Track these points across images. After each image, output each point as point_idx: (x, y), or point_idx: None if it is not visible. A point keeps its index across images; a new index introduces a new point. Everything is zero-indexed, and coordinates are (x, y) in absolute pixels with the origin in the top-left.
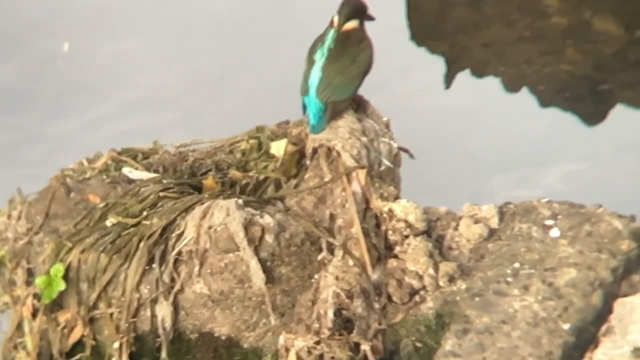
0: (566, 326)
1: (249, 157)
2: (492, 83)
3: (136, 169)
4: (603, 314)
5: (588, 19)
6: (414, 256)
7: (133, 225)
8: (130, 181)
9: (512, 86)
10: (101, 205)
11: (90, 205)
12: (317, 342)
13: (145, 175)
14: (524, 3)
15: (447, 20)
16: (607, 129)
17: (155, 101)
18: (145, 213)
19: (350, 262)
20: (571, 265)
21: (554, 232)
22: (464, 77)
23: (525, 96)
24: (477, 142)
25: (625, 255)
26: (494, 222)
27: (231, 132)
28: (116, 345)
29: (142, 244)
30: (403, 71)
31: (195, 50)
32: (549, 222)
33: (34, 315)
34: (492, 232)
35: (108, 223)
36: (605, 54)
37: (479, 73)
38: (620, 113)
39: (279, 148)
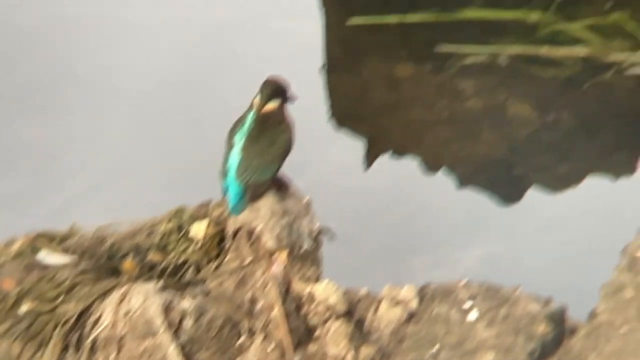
0: None
1: (168, 239)
2: (411, 164)
3: (52, 252)
4: None
5: (503, 103)
6: (334, 339)
7: (48, 311)
8: (46, 266)
9: (430, 167)
10: (15, 291)
11: (4, 292)
12: None
13: (61, 259)
14: (441, 86)
15: (366, 101)
16: (524, 211)
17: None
18: (61, 298)
19: (271, 346)
20: (489, 348)
21: (472, 315)
22: (383, 158)
23: (443, 177)
24: (397, 223)
25: (541, 338)
26: (414, 304)
27: (151, 214)
28: None
29: (57, 331)
30: (324, 152)
31: (115, 130)
32: (468, 304)
33: None
34: (411, 315)
35: (22, 309)
36: (520, 137)
37: (398, 154)
38: (535, 195)
39: (199, 230)
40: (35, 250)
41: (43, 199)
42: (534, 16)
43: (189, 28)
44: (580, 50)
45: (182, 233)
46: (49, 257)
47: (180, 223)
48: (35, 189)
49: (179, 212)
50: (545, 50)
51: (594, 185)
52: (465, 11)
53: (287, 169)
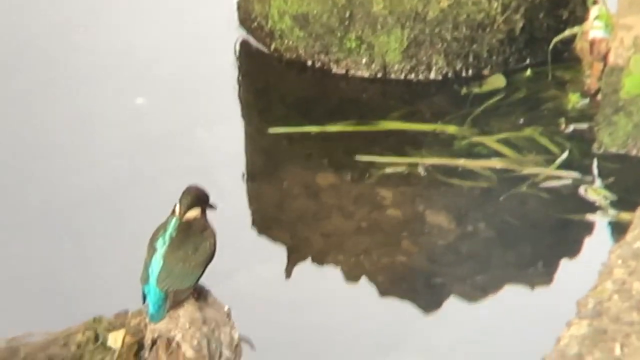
0: None
1: (84, 349)
2: (332, 273)
3: None
4: None
5: (422, 212)
6: None
7: None
8: None
9: (351, 276)
10: None
11: None
12: None
13: None
14: (361, 195)
15: (287, 210)
16: (444, 319)
17: None
18: None
19: None
20: None
21: None
22: (304, 267)
23: (364, 286)
24: (318, 333)
25: None
26: None
27: (66, 324)
28: None
29: None
30: (244, 261)
31: (28, 237)
32: None
33: None
34: None
35: None
36: (439, 246)
37: (318, 263)
38: (454, 305)
39: (116, 339)
40: None
41: None
42: (450, 129)
43: (109, 136)
44: (496, 163)
45: (98, 343)
46: None
47: (96, 333)
48: None
49: (96, 321)
50: (462, 162)
51: (512, 296)
52: (384, 123)
53: (208, 278)
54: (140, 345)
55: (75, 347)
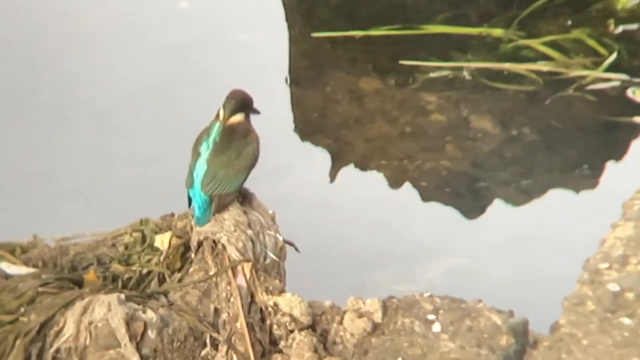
0: None
1: (132, 250)
2: (375, 177)
3: (14, 263)
4: None
5: (466, 117)
6: (299, 351)
7: (9, 322)
8: (8, 276)
9: (394, 181)
10: None
11: None
12: None
13: (23, 270)
14: (405, 100)
15: (330, 115)
16: (487, 225)
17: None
18: (22, 309)
19: (235, 358)
20: None
21: (436, 327)
22: (348, 171)
23: (407, 191)
24: (361, 236)
25: (504, 350)
26: (378, 317)
27: (114, 225)
28: None
29: (18, 342)
30: (288, 165)
31: (77, 142)
32: (431, 317)
33: None
34: (375, 327)
35: None
36: (483, 151)
37: (362, 168)
38: (498, 209)
39: (163, 241)
40: None
41: (4, 209)
42: (496, 32)
43: (155, 41)
44: (542, 66)
45: (145, 244)
46: (11, 268)
47: (144, 234)
48: None
49: (142, 223)
50: (508, 66)
51: (556, 199)
52: (429, 26)
53: (252, 181)
54: (186, 247)
55: (123, 248)
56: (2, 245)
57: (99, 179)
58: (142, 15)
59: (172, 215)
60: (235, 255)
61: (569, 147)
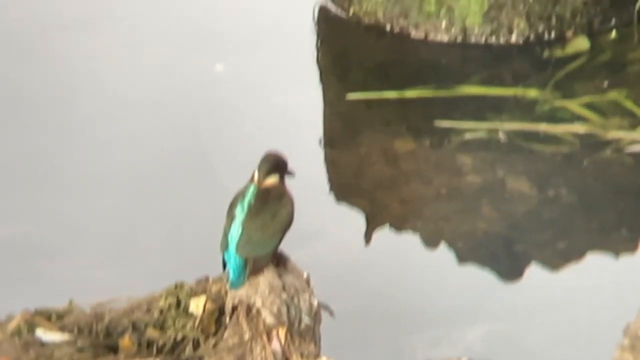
0: None
1: (167, 315)
2: (411, 239)
3: (50, 330)
4: None
5: (502, 178)
6: None
7: None
8: (44, 344)
9: (430, 242)
10: None
11: None
12: None
13: (58, 337)
14: (440, 161)
15: (365, 176)
16: (524, 288)
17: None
18: None
19: None
20: None
21: None
22: (383, 233)
23: (443, 253)
24: (397, 299)
25: None
26: None
27: (149, 290)
28: None
29: None
30: (323, 226)
31: (111, 204)
32: None
33: None
34: None
35: None
36: (519, 213)
37: (397, 229)
38: (535, 272)
39: (197, 305)
40: (32, 328)
41: (40, 275)
42: (531, 93)
43: (190, 103)
44: (578, 127)
45: (180, 309)
46: (46, 335)
47: (178, 299)
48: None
49: (177, 287)
50: (544, 127)
51: (595, 263)
52: (463, 87)
53: (287, 243)
54: (221, 312)
55: (158, 313)
56: (38, 312)
57: (133, 243)
58: (178, 78)
59: (207, 279)
60: (269, 319)
61: (607, 209)
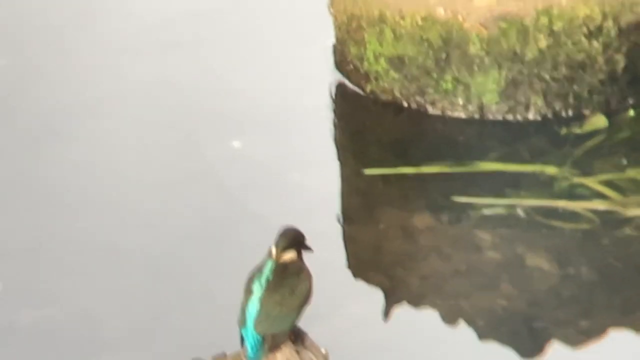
0: None
1: None
2: (430, 316)
3: None
4: None
5: (521, 255)
6: None
7: None
8: None
9: (449, 319)
10: None
11: None
12: None
13: None
14: (459, 237)
15: (383, 252)
16: None
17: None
18: None
19: None
20: None
21: None
22: (402, 309)
23: (462, 330)
24: None
25: None
26: None
27: None
28: None
29: None
30: (341, 303)
31: (126, 286)
32: None
33: None
34: None
35: None
36: (540, 290)
37: (416, 305)
38: (556, 350)
39: None
40: None
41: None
42: (550, 170)
43: (206, 178)
44: (598, 204)
45: None
46: None
47: None
48: None
49: None
50: (563, 204)
51: (616, 341)
52: (481, 163)
53: (305, 320)
54: None
55: None
56: None
57: (150, 320)
58: (196, 154)
59: (224, 355)
60: None
61: (628, 287)
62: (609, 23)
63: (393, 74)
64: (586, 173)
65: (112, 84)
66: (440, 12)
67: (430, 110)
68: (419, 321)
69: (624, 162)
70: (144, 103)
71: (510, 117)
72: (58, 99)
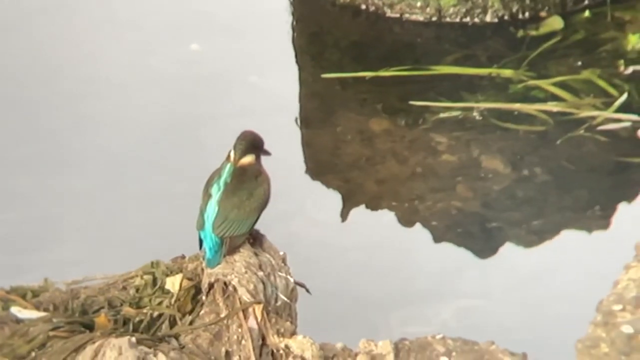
0: None
1: (143, 293)
2: (386, 218)
3: (25, 307)
4: None
5: (476, 157)
6: None
7: None
8: (19, 321)
9: (405, 222)
10: None
11: None
12: None
13: (34, 314)
14: (415, 140)
15: (341, 156)
16: (498, 265)
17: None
18: (33, 354)
19: None
20: None
21: None
22: (359, 211)
23: (418, 231)
24: (373, 277)
25: None
26: (390, 359)
27: (125, 268)
28: None
29: None
30: (299, 206)
31: (86, 184)
32: (444, 359)
33: None
34: None
35: None
36: (494, 191)
37: (373, 208)
38: (509, 250)
39: (174, 283)
40: (7, 305)
41: (14, 252)
42: (506, 73)
43: (167, 81)
44: (552, 106)
45: (156, 287)
46: (22, 312)
47: (154, 277)
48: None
49: (153, 265)
50: (518, 106)
51: (568, 240)
52: (438, 67)
53: (263, 222)
54: (197, 290)
55: (134, 291)
56: (13, 289)
57: (109, 221)
58: (153, 58)
59: (183, 257)
60: (246, 297)
61: (581, 187)
62: None
63: None
64: (541, 75)
65: None
66: None
67: (389, 12)
68: (376, 223)
69: (579, 63)
70: (107, 6)
71: (467, 19)
72: None
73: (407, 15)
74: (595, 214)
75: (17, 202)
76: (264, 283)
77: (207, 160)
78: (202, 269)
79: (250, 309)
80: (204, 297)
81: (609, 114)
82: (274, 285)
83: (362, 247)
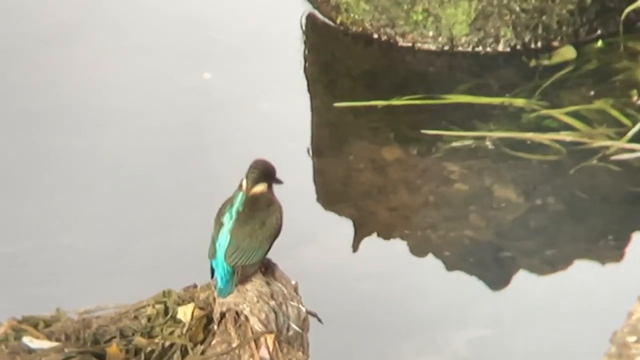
0: None
1: (154, 322)
2: (399, 247)
3: (37, 337)
4: None
5: (489, 186)
6: None
7: None
8: (31, 351)
9: (417, 251)
10: None
11: None
12: None
13: (46, 344)
14: (428, 169)
15: (353, 185)
16: (511, 295)
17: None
18: None
19: None
20: None
21: None
22: (371, 241)
23: (430, 261)
24: (385, 306)
25: None
26: None
27: (137, 298)
28: None
29: None
30: (311, 234)
31: (98, 212)
32: None
33: None
34: None
35: None
36: (507, 221)
37: (385, 237)
38: (522, 280)
39: (185, 313)
40: (19, 335)
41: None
42: (518, 102)
43: (177, 109)
44: (565, 136)
45: (168, 316)
46: (34, 342)
47: (166, 306)
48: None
49: (165, 295)
50: (530, 136)
51: (582, 270)
52: (450, 96)
53: (275, 252)
54: (209, 319)
55: (146, 320)
56: (25, 319)
57: (120, 250)
58: (166, 85)
59: (195, 286)
60: (258, 326)
61: (594, 217)
62: None
63: (363, 5)
64: (554, 104)
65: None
66: None
67: (401, 42)
68: (388, 252)
69: (592, 93)
70: (116, 34)
71: (479, 49)
72: None
73: (419, 45)
74: (608, 244)
75: (30, 231)
76: (275, 312)
77: (219, 188)
78: (214, 298)
79: (262, 339)
80: (215, 327)
81: (622, 143)
82: (285, 315)
83: (374, 276)
